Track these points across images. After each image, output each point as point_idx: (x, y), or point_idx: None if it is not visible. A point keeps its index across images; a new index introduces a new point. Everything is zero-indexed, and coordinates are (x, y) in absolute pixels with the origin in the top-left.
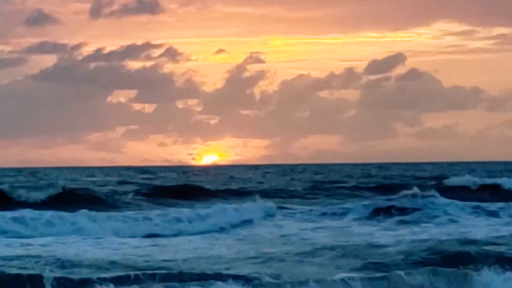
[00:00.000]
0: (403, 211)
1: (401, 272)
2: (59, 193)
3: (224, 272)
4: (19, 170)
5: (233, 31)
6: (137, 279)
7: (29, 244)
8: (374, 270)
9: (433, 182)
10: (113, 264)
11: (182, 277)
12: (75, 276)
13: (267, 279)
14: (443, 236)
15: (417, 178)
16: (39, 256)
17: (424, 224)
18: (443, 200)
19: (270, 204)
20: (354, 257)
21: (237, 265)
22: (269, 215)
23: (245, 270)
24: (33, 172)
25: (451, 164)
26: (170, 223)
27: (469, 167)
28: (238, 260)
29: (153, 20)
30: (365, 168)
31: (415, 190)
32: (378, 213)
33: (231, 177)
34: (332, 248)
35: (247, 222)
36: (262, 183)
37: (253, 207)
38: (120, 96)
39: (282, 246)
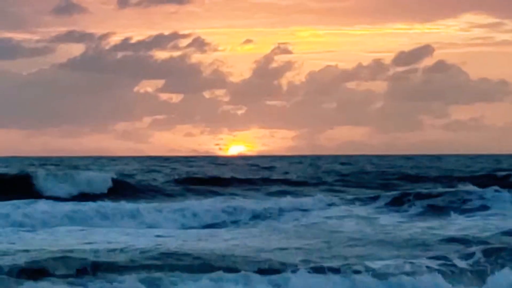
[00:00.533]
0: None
1: None
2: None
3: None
4: (47, 159)
5: (260, 22)
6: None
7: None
8: None
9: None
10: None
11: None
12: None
13: None
14: None
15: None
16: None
17: None
18: None
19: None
20: None
21: None
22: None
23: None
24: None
25: (479, 156)
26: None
27: (496, 159)
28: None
29: (180, 10)
30: (408, 159)
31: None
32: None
33: (270, 168)
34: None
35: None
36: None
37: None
38: (147, 86)
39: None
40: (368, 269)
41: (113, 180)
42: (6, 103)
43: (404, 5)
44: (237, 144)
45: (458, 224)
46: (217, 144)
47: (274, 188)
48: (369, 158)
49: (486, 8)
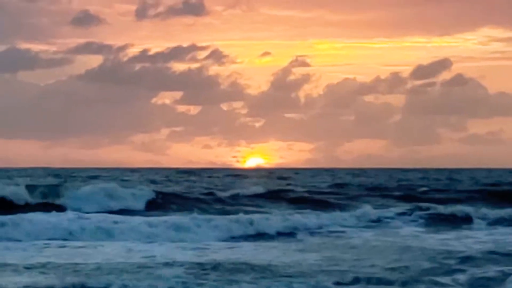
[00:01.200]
0: None
1: None
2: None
3: None
4: (66, 170)
5: (278, 34)
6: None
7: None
8: None
9: None
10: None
11: None
12: None
13: None
14: None
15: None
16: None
17: None
18: None
19: None
20: None
21: None
22: None
23: None
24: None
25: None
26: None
27: None
28: None
29: (198, 22)
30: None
31: None
32: None
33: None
34: None
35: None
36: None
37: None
38: (165, 98)
39: None
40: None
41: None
42: (25, 114)
43: (422, 18)
44: (254, 156)
45: None
46: (234, 156)
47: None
48: (396, 172)
49: (504, 22)
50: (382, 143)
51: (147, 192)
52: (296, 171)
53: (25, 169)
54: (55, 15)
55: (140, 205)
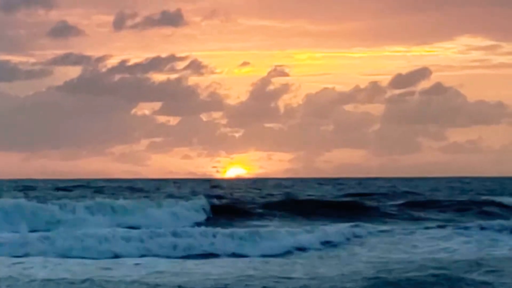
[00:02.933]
0: None
1: None
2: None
3: None
4: (46, 181)
5: (257, 44)
6: None
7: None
8: None
9: None
10: None
11: None
12: None
13: None
14: None
15: None
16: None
17: None
18: None
19: None
20: None
21: None
22: None
23: None
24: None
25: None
26: None
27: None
28: None
29: (177, 33)
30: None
31: None
32: None
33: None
34: None
35: None
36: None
37: None
38: (145, 109)
39: None
40: None
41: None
42: (3, 126)
43: (401, 28)
44: (234, 166)
45: None
46: (214, 167)
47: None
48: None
49: (482, 31)
50: (362, 152)
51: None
52: (280, 181)
53: (3, 181)
54: (33, 27)
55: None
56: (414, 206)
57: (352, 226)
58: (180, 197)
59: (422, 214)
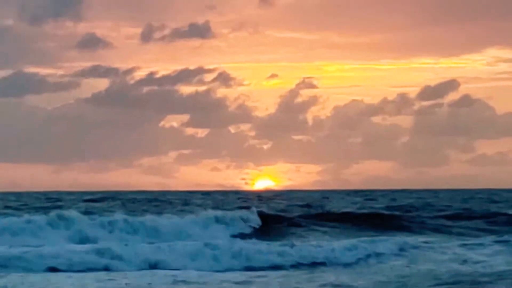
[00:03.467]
0: None
1: None
2: None
3: None
4: (71, 193)
5: (285, 56)
6: None
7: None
8: None
9: None
10: None
11: None
12: None
13: None
14: None
15: None
16: None
17: None
18: None
19: None
20: None
21: None
22: None
23: None
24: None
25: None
26: None
27: None
28: None
29: (204, 45)
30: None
31: None
32: None
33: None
34: None
35: None
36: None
37: None
38: (173, 121)
39: None
40: None
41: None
42: (33, 138)
43: (429, 39)
44: (263, 178)
45: None
46: (243, 179)
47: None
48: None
49: (510, 43)
50: (390, 164)
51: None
52: (309, 193)
53: (33, 193)
54: (61, 39)
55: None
56: (458, 219)
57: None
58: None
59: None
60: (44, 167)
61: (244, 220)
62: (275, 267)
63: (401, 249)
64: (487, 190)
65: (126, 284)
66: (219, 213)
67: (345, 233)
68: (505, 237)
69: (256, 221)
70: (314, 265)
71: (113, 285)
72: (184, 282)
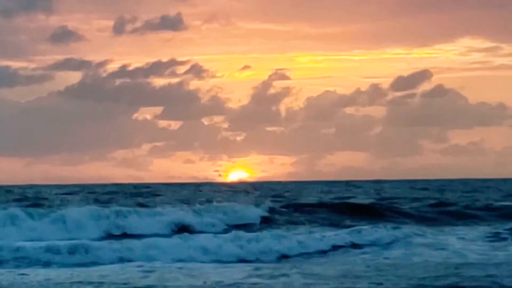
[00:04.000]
0: None
1: None
2: None
3: None
4: (46, 187)
5: (258, 48)
6: None
7: None
8: None
9: None
10: None
11: None
12: None
13: None
14: None
15: None
16: None
17: None
18: None
19: None
20: None
21: None
22: None
23: None
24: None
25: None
26: None
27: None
28: None
29: (177, 37)
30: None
31: None
32: None
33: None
34: None
35: None
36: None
37: None
38: (146, 113)
39: None
40: None
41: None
42: (5, 131)
43: (401, 30)
44: (236, 170)
45: None
46: (216, 171)
47: None
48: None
49: (483, 33)
50: (364, 155)
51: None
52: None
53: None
54: (33, 32)
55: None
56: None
57: None
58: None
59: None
60: (17, 160)
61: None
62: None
63: (379, 239)
64: (460, 180)
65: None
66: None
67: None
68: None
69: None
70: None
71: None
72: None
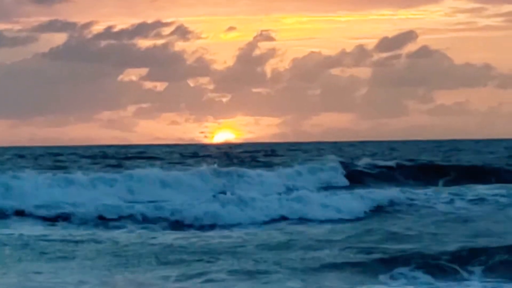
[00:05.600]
0: None
1: None
2: None
3: None
4: (31, 148)
5: (243, 9)
6: None
7: None
8: None
9: None
10: None
11: None
12: None
13: None
14: None
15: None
16: None
17: None
18: None
19: None
20: None
21: None
22: None
23: None
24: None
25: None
26: None
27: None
28: None
29: None
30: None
31: None
32: None
33: None
34: None
35: None
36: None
37: None
38: (131, 75)
39: None
40: None
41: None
42: None
43: None
44: (222, 131)
45: None
46: (202, 132)
47: None
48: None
49: None
50: (350, 116)
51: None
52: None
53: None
54: None
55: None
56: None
57: None
58: None
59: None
60: (2, 122)
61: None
62: None
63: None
64: (447, 141)
65: None
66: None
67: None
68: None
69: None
70: None
71: None
72: None
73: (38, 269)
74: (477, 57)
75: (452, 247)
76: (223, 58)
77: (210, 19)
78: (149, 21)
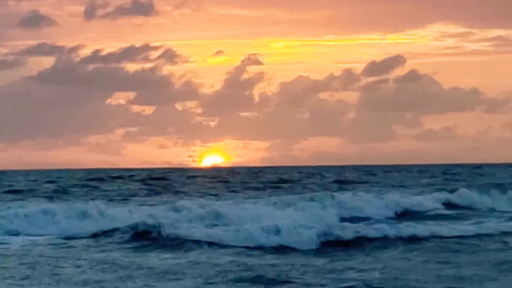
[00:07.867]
0: None
1: None
2: None
3: None
4: (17, 173)
5: (230, 33)
6: None
7: None
8: None
9: None
10: None
11: None
12: None
13: None
14: None
15: None
16: None
17: None
18: None
19: None
20: None
21: None
22: None
23: None
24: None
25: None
26: None
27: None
28: None
29: (148, 22)
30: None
31: None
32: None
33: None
34: None
35: None
36: None
37: None
38: (119, 98)
39: None
40: None
41: None
42: None
43: (375, 15)
44: (210, 155)
45: None
46: (190, 156)
47: None
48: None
49: (456, 18)
50: (338, 140)
51: None
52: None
53: None
54: (4, 17)
55: None
56: None
57: None
58: None
59: None
60: None
61: None
62: None
63: None
64: (435, 166)
65: None
66: None
67: None
68: None
69: None
70: None
71: None
72: None
73: None
74: (465, 81)
75: None
76: (211, 82)
77: (198, 43)
78: (137, 44)
